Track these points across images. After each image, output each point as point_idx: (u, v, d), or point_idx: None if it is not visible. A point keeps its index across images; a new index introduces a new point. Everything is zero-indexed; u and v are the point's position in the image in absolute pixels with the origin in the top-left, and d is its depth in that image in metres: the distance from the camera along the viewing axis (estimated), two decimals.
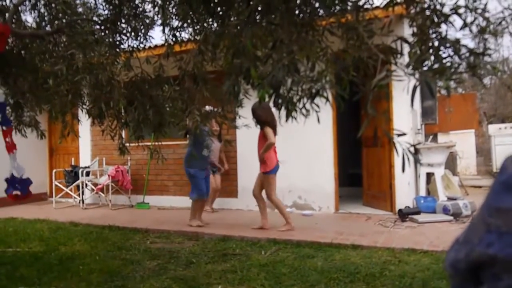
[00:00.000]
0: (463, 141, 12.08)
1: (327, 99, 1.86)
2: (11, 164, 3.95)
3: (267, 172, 5.71)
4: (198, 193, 6.15)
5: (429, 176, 6.92)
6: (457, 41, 1.68)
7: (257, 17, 2.22)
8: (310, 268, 4.07)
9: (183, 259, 4.54)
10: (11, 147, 3.83)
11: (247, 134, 6.50)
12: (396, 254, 4.37)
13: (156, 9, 3.47)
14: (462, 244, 0.74)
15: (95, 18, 3.82)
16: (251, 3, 2.15)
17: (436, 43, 1.74)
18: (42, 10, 3.93)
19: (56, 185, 8.98)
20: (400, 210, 6.16)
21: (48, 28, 3.93)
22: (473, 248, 0.67)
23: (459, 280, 0.76)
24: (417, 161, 1.54)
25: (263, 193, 5.86)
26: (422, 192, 6.73)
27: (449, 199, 6.49)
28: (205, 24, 2.83)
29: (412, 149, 1.63)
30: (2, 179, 4.08)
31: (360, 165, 7.89)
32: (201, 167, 6.12)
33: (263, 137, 5.69)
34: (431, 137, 8.24)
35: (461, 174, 10.92)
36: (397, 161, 6.35)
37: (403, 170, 1.66)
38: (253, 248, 4.88)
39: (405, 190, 6.61)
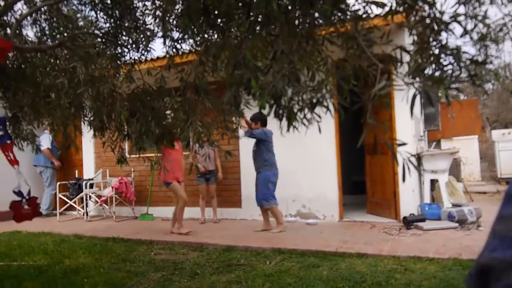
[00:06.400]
0: (467, 147, 12.02)
1: (328, 109, 1.86)
2: (17, 177, 3.85)
3: None
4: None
5: (433, 183, 6.89)
6: (458, 48, 1.67)
7: (257, 29, 2.22)
8: (315, 277, 4.04)
9: (188, 270, 4.51)
10: (13, 162, 3.80)
11: (249, 144, 6.51)
12: (401, 262, 4.34)
13: (157, 21, 3.49)
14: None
15: (96, 32, 3.84)
16: (251, 14, 2.15)
17: (436, 51, 1.74)
18: (44, 24, 3.96)
19: (60, 198, 8.99)
20: (405, 218, 6.12)
21: (49, 42, 3.95)
22: (482, 254, 0.73)
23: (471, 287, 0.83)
24: (418, 170, 1.54)
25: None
26: (427, 199, 6.69)
27: (454, 205, 6.45)
28: (205, 36, 2.83)
29: (412, 158, 1.62)
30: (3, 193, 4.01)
31: (363, 173, 7.87)
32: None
33: None
34: (434, 143, 8.24)
35: (465, 180, 10.88)
36: (401, 169, 6.34)
37: (404, 179, 1.67)
38: (257, 258, 4.86)
39: (409, 197, 6.57)
